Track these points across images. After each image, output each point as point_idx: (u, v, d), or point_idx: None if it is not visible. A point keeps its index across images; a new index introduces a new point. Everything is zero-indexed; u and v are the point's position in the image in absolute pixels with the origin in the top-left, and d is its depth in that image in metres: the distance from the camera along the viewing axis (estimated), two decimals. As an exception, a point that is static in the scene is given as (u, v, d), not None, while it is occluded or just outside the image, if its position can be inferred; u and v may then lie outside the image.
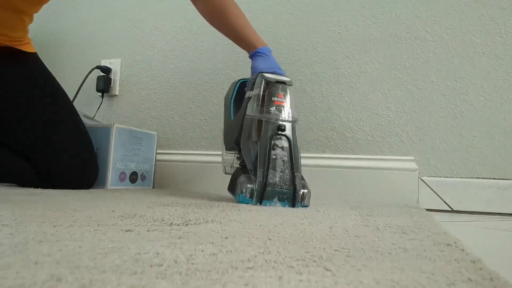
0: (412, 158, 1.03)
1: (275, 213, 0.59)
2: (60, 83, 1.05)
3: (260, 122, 0.74)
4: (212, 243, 0.31)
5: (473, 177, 0.97)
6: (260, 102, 0.75)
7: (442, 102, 1.02)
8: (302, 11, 1.18)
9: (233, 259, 0.26)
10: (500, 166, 0.96)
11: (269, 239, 0.35)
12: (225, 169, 0.89)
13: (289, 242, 0.34)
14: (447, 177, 0.99)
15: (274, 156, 0.72)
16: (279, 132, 0.73)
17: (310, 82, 1.15)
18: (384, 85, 1.08)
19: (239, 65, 1.24)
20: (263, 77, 0.75)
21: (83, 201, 0.63)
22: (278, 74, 0.78)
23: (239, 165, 0.80)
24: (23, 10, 0.95)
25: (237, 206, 0.67)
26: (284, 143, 0.73)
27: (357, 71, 1.10)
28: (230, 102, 0.87)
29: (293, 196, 0.70)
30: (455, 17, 1.03)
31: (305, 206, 0.72)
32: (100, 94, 1.40)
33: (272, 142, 0.72)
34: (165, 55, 1.35)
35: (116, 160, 1.03)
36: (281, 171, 0.71)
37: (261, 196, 0.69)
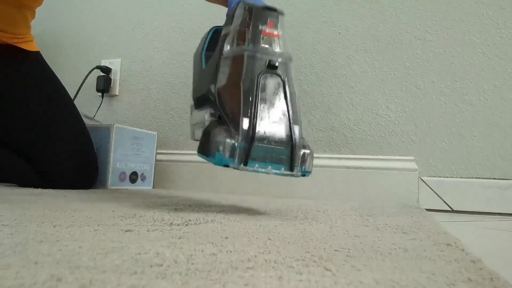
0: (412, 158, 1.03)
1: (275, 213, 0.59)
2: (60, 83, 1.05)
3: (241, 59, 0.54)
4: (212, 243, 0.31)
5: (473, 177, 0.97)
6: (241, 36, 0.56)
7: (442, 102, 1.02)
8: (302, 11, 1.18)
9: (233, 259, 0.26)
10: (500, 166, 0.96)
11: (269, 239, 0.35)
12: (194, 133, 0.69)
13: (289, 242, 0.34)
14: (447, 177, 0.99)
15: (263, 100, 0.53)
16: (269, 70, 0.54)
17: (310, 82, 1.15)
18: (384, 85, 1.08)
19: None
20: (246, 4, 0.57)
21: (83, 201, 0.63)
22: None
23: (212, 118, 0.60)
24: (25, 4, 0.94)
25: (237, 206, 0.67)
26: (277, 84, 0.55)
27: (357, 71, 1.10)
28: (201, 54, 0.68)
29: (290, 156, 0.52)
30: (455, 17, 1.03)
31: (306, 173, 0.53)
32: (100, 94, 1.40)
33: (261, 82, 0.53)
34: (165, 55, 1.35)
35: (116, 160, 1.03)
36: (273, 122, 0.52)
37: (247, 155, 0.50)
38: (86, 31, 1.49)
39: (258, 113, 0.51)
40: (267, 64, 0.54)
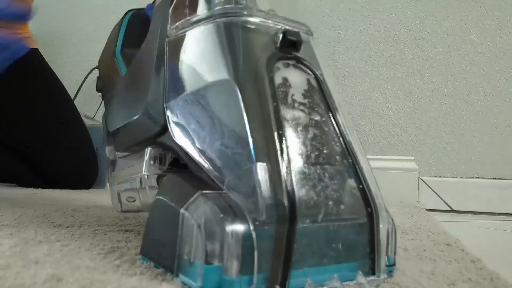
0: (412, 158, 1.03)
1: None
2: (60, 83, 1.04)
3: (219, 34, 0.24)
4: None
5: (473, 177, 0.97)
6: None
7: (442, 102, 1.02)
8: (301, 11, 1.18)
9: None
10: (500, 166, 0.96)
11: None
12: (120, 202, 0.40)
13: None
14: (447, 177, 0.99)
15: (291, 121, 0.22)
16: (286, 53, 0.24)
17: (310, 82, 1.15)
18: (384, 85, 1.08)
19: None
20: None
21: (83, 201, 0.63)
22: None
23: (167, 172, 0.28)
24: None
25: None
26: (306, 83, 0.24)
27: (357, 71, 1.10)
28: (115, 54, 0.40)
29: (370, 240, 0.23)
30: (455, 17, 1.03)
31: (392, 267, 0.23)
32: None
33: (277, 80, 0.23)
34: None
35: (116, 160, 1.03)
36: (322, 167, 0.22)
37: (287, 262, 0.19)
38: (86, 31, 1.49)
39: (289, 149, 0.21)
40: (280, 39, 0.24)
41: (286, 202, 0.19)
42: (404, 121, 1.05)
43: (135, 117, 0.29)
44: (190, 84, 0.25)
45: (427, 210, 0.91)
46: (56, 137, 0.94)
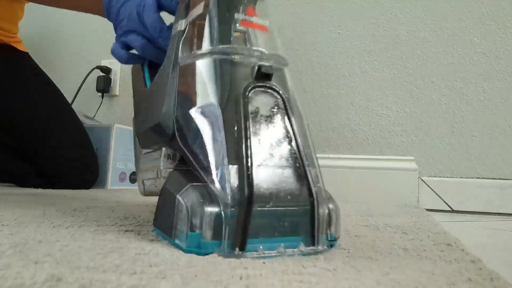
0: (412, 158, 1.03)
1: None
2: (60, 83, 1.05)
3: (213, 66, 0.34)
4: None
5: (473, 177, 0.97)
6: (208, 30, 0.35)
7: (442, 102, 1.02)
8: (302, 11, 1.18)
9: (232, 260, 0.26)
10: (500, 166, 0.96)
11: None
12: (144, 186, 0.49)
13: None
14: (447, 177, 0.99)
15: (256, 133, 0.32)
16: (260, 82, 0.33)
17: (310, 82, 1.15)
18: (384, 85, 1.08)
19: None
20: None
21: (83, 201, 0.63)
22: None
23: (175, 168, 0.37)
24: None
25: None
26: (274, 105, 0.34)
27: (357, 71, 1.10)
28: (143, 65, 0.49)
29: (311, 219, 0.31)
30: (455, 17, 1.03)
31: (333, 242, 0.32)
32: (100, 94, 1.40)
33: (250, 102, 0.32)
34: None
35: (116, 160, 1.03)
36: (277, 167, 0.31)
37: (244, 230, 0.28)
38: (86, 31, 1.49)
39: (253, 154, 0.30)
40: (255, 71, 0.33)
41: (246, 192, 0.28)
42: (404, 121, 1.05)
43: (154, 124, 0.37)
44: (191, 104, 0.33)
45: (427, 210, 0.91)
46: (55, 138, 0.94)
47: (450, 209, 0.97)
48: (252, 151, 0.30)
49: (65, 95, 1.04)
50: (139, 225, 0.40)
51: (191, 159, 0.32)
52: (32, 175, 0.93)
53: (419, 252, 0.32)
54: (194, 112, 0.33)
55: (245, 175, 0.29)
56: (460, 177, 0.98)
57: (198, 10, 0.36)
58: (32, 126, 0.93)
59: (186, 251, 0.28)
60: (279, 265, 0.25)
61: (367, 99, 1.09)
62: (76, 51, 1.50)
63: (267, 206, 0.29)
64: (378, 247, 0.33)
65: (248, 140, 0.30)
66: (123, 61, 0.49)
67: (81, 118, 1.05)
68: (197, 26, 0.36)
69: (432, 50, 1.04)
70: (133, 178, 1.10)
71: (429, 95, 1.03)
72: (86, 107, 1.41)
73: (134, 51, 0.50)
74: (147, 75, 0.48)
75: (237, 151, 0.30)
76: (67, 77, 1.46)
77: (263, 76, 0.33)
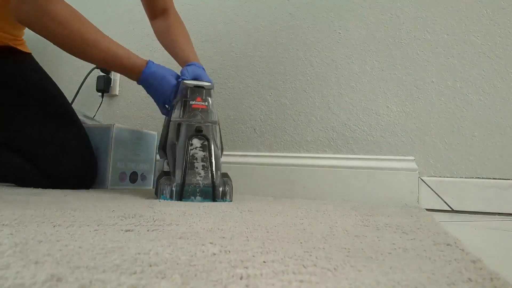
0: (412, 158, 1.03)
1: (275, 213, 0.59)
2: (60, 83, 1.05)
3: (179, 125, 0.79)
4: (212, 243, 0.31)
5: (473, 177, 0.97)
6: (181, 107, 0.79)
7: (442, 102, 1.02)
8: (302, 11, 1.18)
9: (233, 259, 0.26)
10: (500, 166, 0.96)
11: (268, 239, 0.35)
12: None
13: (288, 242, 0.34)
14: (447, 177, 0.99)
15: (192, 155, 0.76)
16: (197, 133, 0.78)
17: (310, 82, 1.15)
18: (384, 85, 1.08)
19: (239, 65, 1.24)
20: (183, 83, 0.80)
21: (83, 201, 0.63)
22: (201, 80, 0.82)
23: (163, 170, 0.84)
24: None
25: (237, 206, 0.67)
26: (202, 142, 0.78)
27: (357, 71, 1.10)
28: (171, 101, 0.84)
29: (213, 192, 0.75)
30: (455, 17, 1.03)
31: (226, 201, 0.76)
32: (100, 94, 1.40)
33: (190, 142, 0.77)
34: (165, 55, 1.35)
35: (116, 160, 1.03)
36: (201, 169, 0.76)
37: (181, 195, 0.73)
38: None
39: (188, 165, 0.75)
40: (195, 129, 0.78)
41: (182, 181, 0.75)
42: (404, 121, 1.05)
43: (161, 146, 0.85)
44: (171, 140, 0.81)
45: (427, 210, 0.91)
46: (54, 138, 0.94)
47: (450, 209, 0.97)
48: (187, 163, 0.76)
49: (65, 95, 1.04)
50: (139, 225, 0.40)
51: (170, 168, 0.79)
52: (31, 175, 0.93)
53: (419, 252, 0.32)
54: (170, 146, 0.81)
55: (182, 174, 0.75)
56: (460, 177, 0.98)
57: (179, 97, 0.81)
58: (31, 126, 0.93)
59: (161, 199, 0.74)
60: (279, 265, 0.25)
61: (367, 99, 1.09)
62: (76, 51, 1.50)
63: (193, 186, 0.74)
64: (378, 247, 0.33)
65: (187, 158, 0.76)
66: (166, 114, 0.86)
67: (81, 118, 1.05)
68: (178, 104, 0.81)
69: (432, 50, 1.04)
70: (133, 178, 1.10)
71: (429, 95, 1.03)
72: (86, 107, 1.41)
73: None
74: (172, 107, 0.84)
75: (181, 163, 0.76)
76: (67, 77, 1.46)
77: (198, 130, 0.78)
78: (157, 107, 0.88)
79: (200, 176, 0.75)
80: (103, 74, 1.39)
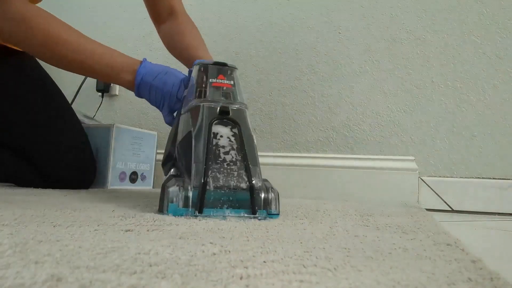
0: (412, 158, 1.03)
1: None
2: (60, 83, 1.05)
3: (195, 111, 0.55)
4: (212, 243, 0.31)
5: (473, 177, 0.97)
6: (196, 90, 0.57)
7: (442, 102, 1.02)
8: (302, 11, 1.18)
9: (233, 259, 0.26)
10: (500, 166, 0.96)
11: (268, 239, 0.35)
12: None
13: (288, 242, 0.34)
14: (447, 177, 0.99)
15: (216, 145, 0.51)
16: (222, 115, 0.53)
17: (310, 82, 1.15)
18: (384, 85, 1.08)
19: (239, 65, 1.24)
20: (198, 63, 0.59)
21: (83, 201, 0.63)
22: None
23: (170, 174, 0.61)
24: None
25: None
26: (230, 129, 0.53)
27: (357, 71, 1.10)
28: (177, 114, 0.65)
29: (251, 199, 0.48)
30: (455, 17, 1.03)
31: (272, 215, 0.50)
32: (100, 94, 1.40)
33: (213, 129, 0.52)
34: (165, 55, 1.35)
35: (116, 160, 1.03)
36: (228, 165, 0.50)
37: (201, 202, 0.47)
38: (85, 31, 1.49)
39: (210, 157, 0.49)
40: (219, 110, 0.53)
41: (202, 180, 0.47)
42: (404, 121, 1.05)
43: (168, 151, 0.63)
44: (182, 135, 0.57)
45: (427, 210, 0.91)
46: (53, 138, 0.94)
47: (450, 209, 0.97)
48: (211, 156, 0.50)
49: (65, 95, 1.04)
50: (139, 225, 0.40)
51: (182, 168, 0.54)
52: (31, 175, 0.93)
53: (419, 252, 0.32)
54: (182, 142, 0.57)
55: (203, 169, 0.48)
56: (460, 177, 0.98)
57: (192, 81, 0.59)
58: (30, 126, 0.93)
59: (172, 214, 0.48)
60: (279, 264, 0.25)
61: (367, 99, 1.09)
62: (76, 51, 1.50)
63: (218, 189, 0.48)
64: (378, 247, 0.33)
65: (209, 149, 0.50)
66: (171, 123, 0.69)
67: (81, 118, 1.05)
68: (192, 90, 0.58)
69: (432, 50, 1.04)
70: (133, 178, 1.10)
71: (429, 95, 1.03)
72: (86, 107, 1.41)
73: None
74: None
75: (201, 156, 0.50)
76: (67, 77, 1.46)
77: (223, 112, 0.54)
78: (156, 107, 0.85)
79: (229, 176, 0.49)
80: (103, 74, 1.39)
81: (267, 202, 0.50)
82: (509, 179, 0.95)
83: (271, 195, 0.50)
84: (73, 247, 0.28)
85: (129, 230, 0.36)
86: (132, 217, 0.45)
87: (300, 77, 1.16)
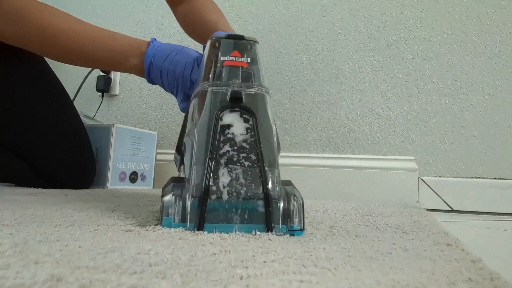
0: (412, 158, 1.03)
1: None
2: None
3: (202, 97, 0.43)
4: (212, 243, 0.31)
5: (473, 177, 0.97)
6: (204, 69, 0.46)
7: (442, 102, 1.02)
8: (302, 11, 1.18)
9: (233, 259, 0.26)
10: (500, 166, 0.96)
11: (268, 239, 0.35)
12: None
13: (288, 242, 0.34)
14: (447, 177, 0.99)
15: (224, 141, 0.40)
16: (234, 102, 0.42)
17: (310, 82, 1.15)
18: (384, 85, 1.08)
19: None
20: (212, 37, 0.47)
21: (83, 201, 0.63)
22: None
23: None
24: None
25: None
26: (243, 122, 0.41)
27: (357, 71, 1.10)
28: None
29: (265, 211, 0.37)
30: (455, 17, 1.03)
31: (294, 232, 0.38)
32: (100, 94, 1.40)
33: (221, 118, 0.41)
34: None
35: (116, 160, 1.03)
36: (239, 169, 0.39)
37: (201, 216, 0.36)
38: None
39: (215, 159, 0.38)
40: (229, 96, 0.41)
41: (203, 187, 0.37)
42: (404, 121, 1.05)
43: (177, 147, 0.51)
44: (189, 126, 0.46)
45: (427, 210, 0.91)
46: (54, 137, 0.94)
47: (450, 209, 0.97)
48: (215, 156, 0.39)
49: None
50: (139, 225, 0.40)
51: (186, 169, 0.42)
52: (30, 174, 0.93)
53: (419, 252, 0.32)
54: (187, 136, 0.45)
55: (204, 172, 0.38)
56: (460, 177, 0.98)
57: (204, 60, 0.47)
58: (30, 126, 0.93)
59: (163, 227, 0.37)
60: (280, 265, 0.25)
61: (367, 99, 1.09)
62: (76, 51, 1.50)
63: (220, 199, 0.37)
64: (378, 247, 0.33)
65: (213, 147, 0.39)
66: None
67: (81, 118, 1.04)
68: (203, 70, 0.46)
69: (432, 50, 1.04)
70: (133, 178, 1.10)
71: (429, 95, 1.03)
72: (86, 107, 1.41)
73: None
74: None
75: (203, 156, 0.39)
76: (67, 77, 1.46)
77: (235, 99, 0.42)
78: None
79: (239, 182, 0.38)
80: (103, 74, 1.39)
81: (287, 215, 0.38)
82: (509, 179, 0.95)
83: (293, 205, 0.39)
84: (73, 247, 0.28)
85: (129, 230, 0.36)
86: (132, 217, 0.45)
87: (300, 77, 1.16)
